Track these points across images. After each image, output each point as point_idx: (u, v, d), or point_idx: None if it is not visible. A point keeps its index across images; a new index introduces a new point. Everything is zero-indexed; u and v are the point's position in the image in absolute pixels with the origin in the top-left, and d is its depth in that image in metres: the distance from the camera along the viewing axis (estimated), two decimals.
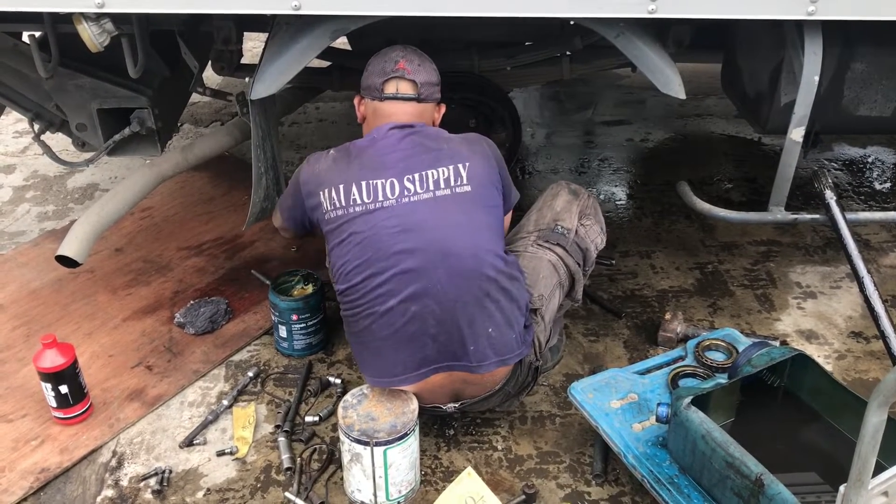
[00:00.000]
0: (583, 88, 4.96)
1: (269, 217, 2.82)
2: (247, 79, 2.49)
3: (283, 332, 2.81)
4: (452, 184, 2.24)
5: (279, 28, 2.48)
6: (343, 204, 2.24)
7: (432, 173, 2.24)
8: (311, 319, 2.79)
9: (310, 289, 2.84)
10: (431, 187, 2.23)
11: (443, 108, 2.48)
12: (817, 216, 2.73)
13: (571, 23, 2.85)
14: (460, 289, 2.21)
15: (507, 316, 2.29)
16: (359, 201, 2.23)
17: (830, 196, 2.63)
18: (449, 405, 2.41)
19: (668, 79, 2.48)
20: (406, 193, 2.22)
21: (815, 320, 3.03)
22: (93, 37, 2.26)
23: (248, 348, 2.90)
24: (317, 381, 2.73)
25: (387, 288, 2.21)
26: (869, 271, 2.50)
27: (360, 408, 2.27)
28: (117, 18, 2.35)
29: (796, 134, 2.55)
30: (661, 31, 3.02)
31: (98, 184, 3.95)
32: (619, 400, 2.39)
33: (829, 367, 2.80)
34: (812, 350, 2.88)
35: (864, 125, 2.87)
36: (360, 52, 3.27)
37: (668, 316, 2.92)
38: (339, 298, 2.34)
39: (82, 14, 2.22)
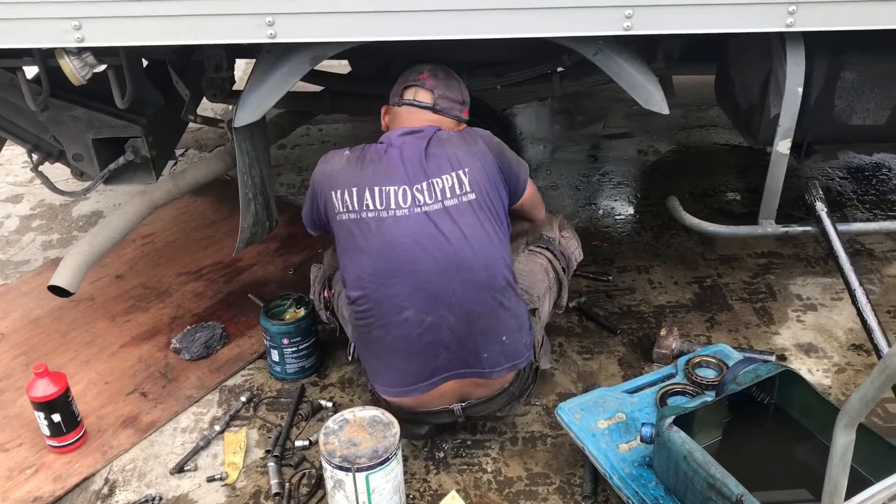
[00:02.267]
0: (589, 102, 4.95)
1: (260, 241, 2.85)
2: (230, 107, 2.51)
3: (275, 356, 2.82)
4: (458, 192, 2.26)
5: (262, 56, 2.51)
6: (356, 208, 2.26)
7: (437, 182, 2.26)
8: (303, 343, 2.80)
9: (302, 312, 2.85)
10: (439, 196, 2.25)
11: (462, 127, 2.49)
12: (809, 228, 2.69)
13: None
14: (474, 300, 2.26)
15: (519, 321, 2.35)
16: (371, 207, 2.25)
17: (821, 208, 2.59)
18: (455, 405, 2.43)
19: (650, 94, 2.47)
20: (417, 203, 2.24)
21: (814, 333, 2.98)
22: (75, 70, 2.30)
23: (242, 372, 2.92)
24: (308, 405, 2.74)
25: (403, 299, 2.24)
26: (862, 283, 2.45)
27: (342, 433, 2.27)
28: (100, 52, 2.39)
29: (783, 146, 2.52)
30: (648, 46, 3.01)
31: (102, 211, 4.00)
32: (606, 420, 2.37)
33: (828, 381, 2.76)
34: (811, 364, 2.84)
35: (857, 134, 2.83)
36: (354, 77, 3.30)
37: (663, 332, 2.89)
38: (350, 306, 2.35)
39: (64, 49, 2.26)
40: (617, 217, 3.79)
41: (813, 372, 2.80)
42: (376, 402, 2.49)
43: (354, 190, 2.26)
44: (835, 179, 3.97)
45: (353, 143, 4.53)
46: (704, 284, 3.27)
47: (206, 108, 4.25)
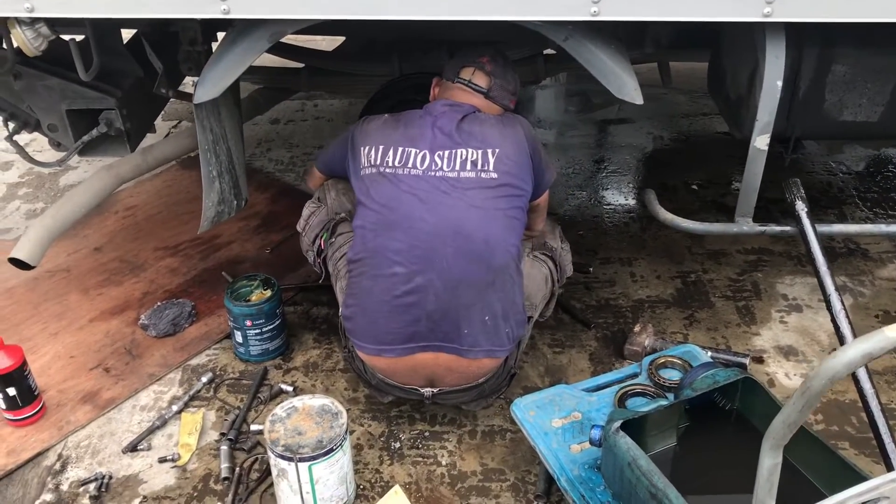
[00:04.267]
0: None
1: (239, 218, 2.81)
2: (191, 83, 2.45)
3: (238, 337, 2.78)
4: (479, 167, 2.28)
5: (228, 32, 2.44)
6: (377, 163, 2.32)
7: (461, 152, 2.28)
8: (266, 325, 2.76)
9: (268, 294, 2.80)
10: (457, 167, 2.27)
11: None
12: (787, 228, 2.58)
13: None
14: (465, 270, 2.24)
15: (505, 309, 2.31)
16: (390, 163, 2.30)
17: (802, 207, 2.47)
18: (426, 389, 2.40)
19: (623, 83, 2.36)
20: (433, 167, 2.27)
21: (796, 335, 2.88)
22: (27, 41, 2.25)
23: (207, 352, 2.88)
24: (269, 389, 2.70)
25: (396, 253, 2.26)
26: (838, 288, 2.34)
27: (289, 421, 2.22)
28: (62, 22, 2.34)
29: (760, 142, 2.41)
30: (635, 32, 2.90)
31: None
32: (561, 419, 2.30)
33: None
34: (789, 367, 2.74)
35: (848, 131, 2.70)
36: (334, 54, 3.22)
37: (637, 328, 2.80)
38: (349, 255, 2.38)
39: (16, 19, 2.21)
40: (606, 206, 3.69)
41: (790, 376, 2.71)
42: (351, 361, 2.48)
43: (381, 147, 2.33)
44: (837, 175, 3.83)
45: (348, 120, 4.52)
46: (688, 280, 3.17)
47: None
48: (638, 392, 2.36)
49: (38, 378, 2.65)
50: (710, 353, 2.63)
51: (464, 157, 2.28)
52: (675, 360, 2.44)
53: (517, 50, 3.03)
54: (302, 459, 2.13)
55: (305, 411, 2.25)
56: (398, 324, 2.29)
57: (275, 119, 4.46)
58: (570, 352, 2.83)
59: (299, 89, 3.28)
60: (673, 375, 2.42)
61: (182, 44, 2.93)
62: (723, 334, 2.89)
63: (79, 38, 2.63)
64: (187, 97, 3.10)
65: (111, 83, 2.90)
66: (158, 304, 3.05)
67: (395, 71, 3.07)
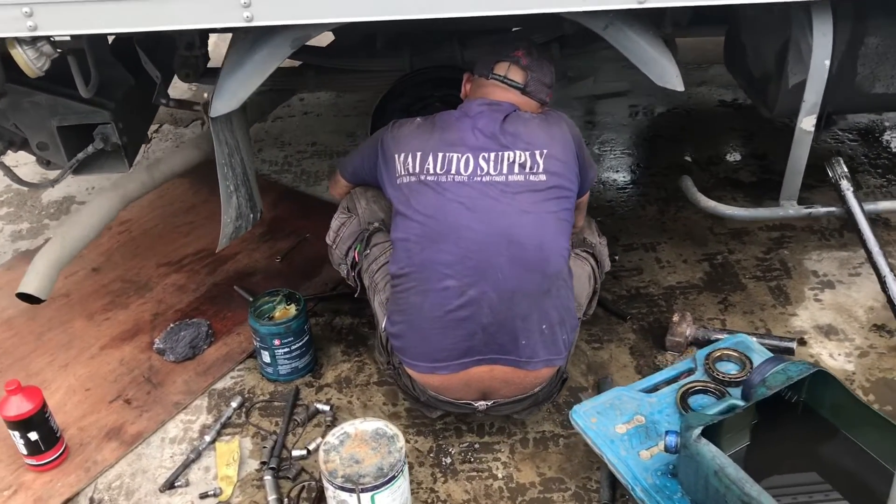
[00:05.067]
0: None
1: (245, 233, 2.68)
2: (205, 94, 2.30)
3: (266, 357, 2.65)
4: (528, 170, 2.16)
5: (237, 38, 2.28)
6: (416, 171, 2.19)
7: (508, 155, 2.16)
8: (295, 343, 2.62)
9: (292, 310, 2.67)
10: (505, 170, 2.15)
11: (545, 109, 2.38)
12: (833, 209, 2.53)
13: None
14: (521, 280, 2.14)
15: (562, 315, 2.23)
16: (431, 171, 2.17)
17: (847, 187, 2.42)
18: (480, 402, 2.30)
19: (665, 70, 2.28)
20: (479, 172, 2.15)
21: (833, 313, 2.84)
22: (29, 62, 2.07)
23: (231, 374, 2.74)
24: (304, 410, 2.57)
25: (447, 266, 2.15)
26: (893, 269, 2.29)
27: (343, 449, 2.11)
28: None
29: (807, 123, 2.33)
30: (657, 13, 2.80)
31: (74, 196, 3.77)
32: (624, 424, 2.22)
33: (850, 367, 2.62)
34: (832, 347, 2.69)
35: (880, 103, 2.66)
36: (336, 50, 3.06)
37: (675, 318, 2.73)
38: (392, 269, 2.25)
39: (15, 38, 2.03)
40: (619, 190, 3.61)
41: (835, 356, 2.66)
42: (398, 377, 2.37)
43: (419, 154, 2.19)
44: (844, 142, 3.79)
45: (337, 113, 4.36)
46: (715, 262, 3.11)
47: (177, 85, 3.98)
48: (699, 389, 2.29)
49: (55, 416, 2.48)
50: (756, 340, 2.56)
51: (511, 159, 2.16)
52: (730, 353, 2.38)
53: (531, 37, 2.90)
54: (364, 490, 2.02)
55: (359, 437, 2.14)
56: (452, 339, 2.18)
57: None
58: (609, 347, 2.75)
59: (306, 90, 3.12)
60: (730, 369, 2.36)
61: (178, 49, 2.77)
62: (760, 317, 2.83)
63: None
64: (188, 106, 2.93)
65: (103, 95, 2.72)
66: (172, 325, 2.89)
67: (406, 66, 2.93)
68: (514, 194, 2.14)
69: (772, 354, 2.38)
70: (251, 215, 2.65)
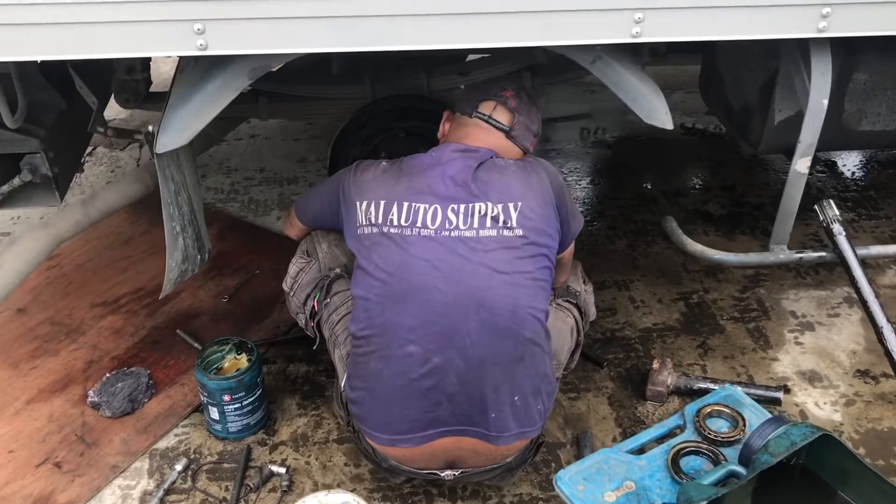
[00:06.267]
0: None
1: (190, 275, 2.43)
2: (150, 126, 2.05)
3: (214, 413, 2.40)
4: (500, 224, 1.96)
5: (186, 65, 2.05)
6: (379, 222, 1.98)
7: (480, 207, 1.96)
8: (247, 398, 2.39)
9: (243, 360, 2.43)
10: (476, 224, 1.95)
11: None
12: (824, 254, 2.41)
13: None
14: (491, 347, 1.94)
15: (536, 385, 2.04)
16: (395, 222, 1.96)
17: (839, 231, 2.30)
18: (447, 472, 2.10)
19: (654, 107, 2.12)
20: (448, 225, 1.95)
21: (816, 358, 2.72)
22: None
23: (175, 431, 2.49)
24: (257, 473, 2.33)
25: (410, 330, 1.94)
26: (889, 320, 2.17)
27: None
28: None
29: (801, 165, 2.21)
30: (636, 46, 2.66)
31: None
32: (613, 491, 2.03)
33: (837, 417, 2.51)
34: (817, 396, 2.58)
35: (866, 141, 2.56)
36: (289, 76, 2.84)
37: (655, 365, 2.58)
38: (352, 328, 2.03)
39: None
40: (587, 223, 3.44)
41: (820, 405, 2.55)
42: (358, 441, 2.17)
43: (382, 203, 1.99)
44: (812, 174, 3.71)
45: (286, 137, 4.13)
46: (691, 301, 2.97)
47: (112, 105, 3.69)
48: (691, 450, 2.13)
49: None
50: (741, 390, 2.42)
51: (483, 211, 1.95)
52: (721, 409, 2.22)
53: (501, 65, 2.73)
54: None
55: None
56: (415, 410, 1.97)
57: None
58: (586, 396, 2.58)
59: (257, 117, 2.88)
60: (721, 426, 2.20)
61: (117, 72, 2.52)
62: (741, 362, 2.70)
63: None
64: (128, 135, 2.68)
65: (32, 121, 2.45)
66: (108, 375, 2.62)
67: (367, 94, 2.72)
68: (485, 252, 1.93)
69: (761, 409, 2.25)
70: (198, 257, 2.41)
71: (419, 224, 1.95)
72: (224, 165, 3.86)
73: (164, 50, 1.77)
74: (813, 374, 2.66)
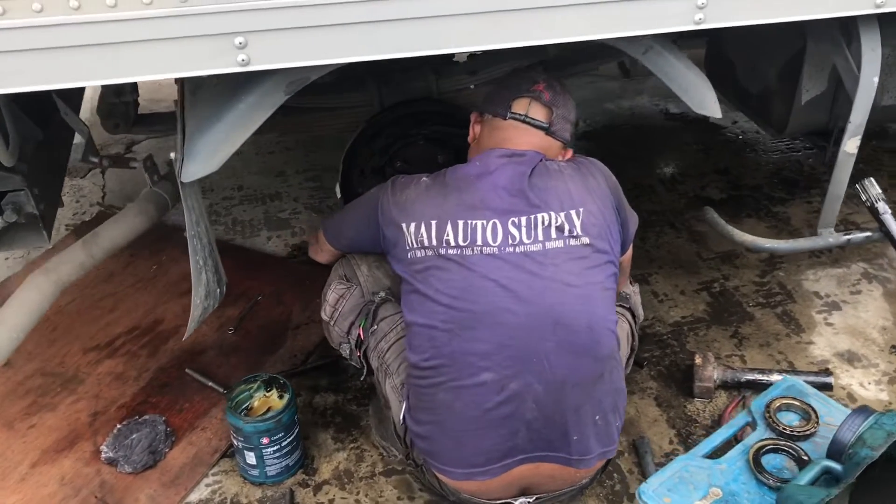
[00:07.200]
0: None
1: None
2: (172, 154, 1.86)
3: (250, 458, 2.21)
4: (565, 234, 1.84)
5: (200, 84, 1.86)
6: (433, 244, 1.84)
7: (542, 217, 1.84)
8: (286, 438, 2.21)
9: (273, 398, 2.25)
10: (541, 237, 1.83)
11: (569, 153, 2.05)
12: (870, 233, 2.37)
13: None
14: (570, 368, 1.84)
15: (615, 400, 1.96)
16: (453, 243, 1.83)
17: (885, 209, 2.26)
18: (521, 500, 1.98)
19: (703, 96, 2.04)
20: (511, 241, 1.82)
21: (849, 337, 2.69)
22: None
23: (205, 481, 2.29)
24: None
25: (482, 357, 1.81)
26: None
27: None
28: None
29: (851, 145, 2.16)
30: None
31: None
32: (701, 500, 1.94)
33: (884, 395, 2.48)
34: (860, 376, 2.55)
35: (887, 116, 2.52)
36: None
37: (698, 360, 2.50)
38: (414, 359, 1.88)
39: None
40: None
41: (865, 386, 2.52)
42: (421, 475, 2.06)
43: (434, 223, 1.84)
44: (801, 152, 3.71)
45: (259, 151, 3.91)
46: (714, 290, 2.91)
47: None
48: (770, 448, 2.05)
49: None
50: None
51: (546, 222, 1.83)
52: (790, 401, 2.16)
53: (512, 61, 2.61)
54: None
55: None
56: (492, 441, 1.85)
57: None
58: (633, 399, 2.49)
59: (271, 133, 2.68)
60: (793, 420, 2.14)
61: (105, 96, 2.30)
62: (778, 349, 2.65)
63: None
64: (124, 163, 2.45)
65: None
66: (119, 426, 2.40)
67: (374, 99, 2.55)
68: (554, 265, 1.82)
69: (826, 398, 2.19)
70: (218, 290, 2.22)
71: (479, 242, 1.82)
72: (214, 184, 3.62)
73: (202, 68, 1.58)
74: (851, 354, 2.63)
